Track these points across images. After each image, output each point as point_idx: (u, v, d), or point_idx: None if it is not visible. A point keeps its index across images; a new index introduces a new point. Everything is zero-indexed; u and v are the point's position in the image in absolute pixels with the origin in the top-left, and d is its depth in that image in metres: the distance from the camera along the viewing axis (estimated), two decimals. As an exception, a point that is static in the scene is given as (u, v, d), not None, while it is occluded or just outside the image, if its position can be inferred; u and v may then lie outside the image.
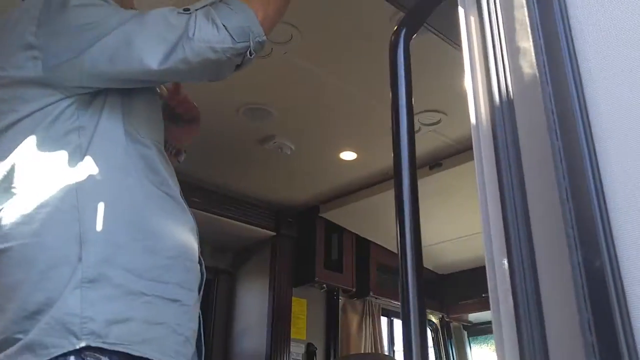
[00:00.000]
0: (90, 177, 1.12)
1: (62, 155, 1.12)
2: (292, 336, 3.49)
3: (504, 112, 0.61)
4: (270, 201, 3.65)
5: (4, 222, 1.07)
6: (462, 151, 3.01)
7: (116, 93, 1.22)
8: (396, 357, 4.24)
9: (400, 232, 0.81)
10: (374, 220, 3.66)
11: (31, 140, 1.13)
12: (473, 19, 0.66)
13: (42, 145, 1.13)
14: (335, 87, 2.53)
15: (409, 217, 0.79)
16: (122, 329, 1.03)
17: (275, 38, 2.21)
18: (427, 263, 4.19)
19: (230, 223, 3.44)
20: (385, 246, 3.93)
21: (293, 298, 3.58)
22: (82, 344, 0.99)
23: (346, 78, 2.48)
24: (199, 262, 1.27)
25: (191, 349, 1.14)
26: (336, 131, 2.90)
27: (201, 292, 1.25)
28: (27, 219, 1.07)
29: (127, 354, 1.02)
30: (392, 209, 3.48)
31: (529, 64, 0.61)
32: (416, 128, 2.83)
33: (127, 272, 1.07)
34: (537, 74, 0.59)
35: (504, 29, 0.64)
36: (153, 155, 1.21)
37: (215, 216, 3.34)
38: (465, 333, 4.49)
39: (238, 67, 1.25)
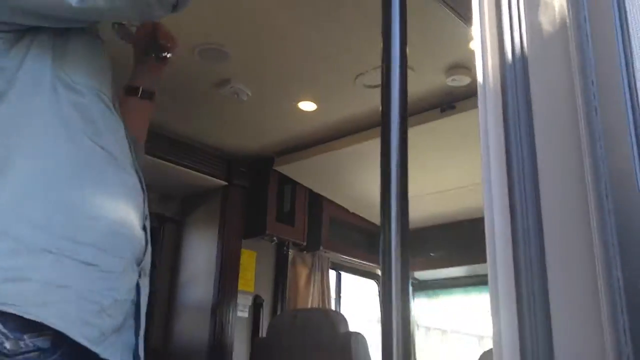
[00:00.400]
0: (6, 122, 1.01)
1: None
2: (239, 288, 3.43)
3: (516, 71, 0.52)
4: (222, 149, 3.50)
5: None
6: (422, 109, 2.94)
7: (47, 34, 1.10)
8: (342, 310, 4.28)
9: (385, 186, 0.72)
10: (329, 177, 3.58)
11: None
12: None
13: None
14: (297, 34, 2.38)
15: (396, 172, 0.70)
16: (16, 288, 0.91)
17: (237, -26, 2.03)
18: (376, 219, 4.18)
19: (179, 170, 3.28)
20: (339, 203, 3.88)
21: (242, 250, 3.50)
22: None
23: (309, 24, 2.33)
24: (143, 228, 1.14)
25: (110, 320, 1.00)
26: (296, 80, 2.76)
27: (143, 261, 1.13)
28: None
29: (21, 317, 0.89)
30: (348, 167, 3.44)
31: (549, 20, 0.51)
32: (380, 81, 2.72)
33: (33, 227, 0.95)
34: (565, 31, 0.49)
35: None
36: (88, 103, 1.10)
37: (163, 162, 3.18)
38: (410, 288, 4.56)
39: (175, 7, 1.12)
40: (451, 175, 3.35)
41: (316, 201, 3.82)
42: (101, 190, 1.06)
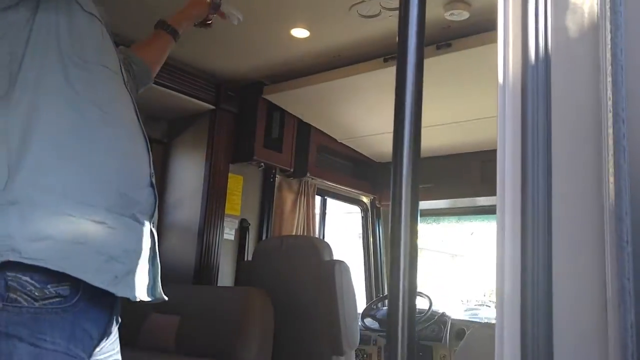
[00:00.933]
0: (21, 102, 1.14)
1: None
2: (226, 212, 3.48)
3: (538, 73, 0.51)
4: (211, 73, 3.43)
5: None
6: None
7: (50, 14, 1.20)
8: (326, 235, 4.39)
9: (399, 118, 0.71)
10: (318, 108, 3.55)
11: None
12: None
13: None
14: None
15: (411, 99, 0.70)
16: (41, 245, 1.08)
17: None
18: (364, 150, 4.20)
19: (166, 92, 3.22)
20: (327, 132, 3.87)
21: (229, 174, 3.52)
22: (2, 259, 1.05)
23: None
24: (151, 185, 1.28)
25: (121, 266, 1.17)
26: (290, 6, 2.67)
27: (153, 216, 1.28)
28: None
29: (47, 269, 1.07)
30: (338, 99, 3.40)
31: (577, 23, 0.51)
32: (376, 11, 2.65)
33: (53, 193, 1.12)
34: (586, 41, 0.48)
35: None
36: (96, 77, 1.23)
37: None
38: (394, 215, 4.66)
39: None
40: (443, 111, 3.34)
41: (304, 128, 3.81)
42: (111, 157, 1.22)
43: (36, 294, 1.08)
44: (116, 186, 1.20)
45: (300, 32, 2.89)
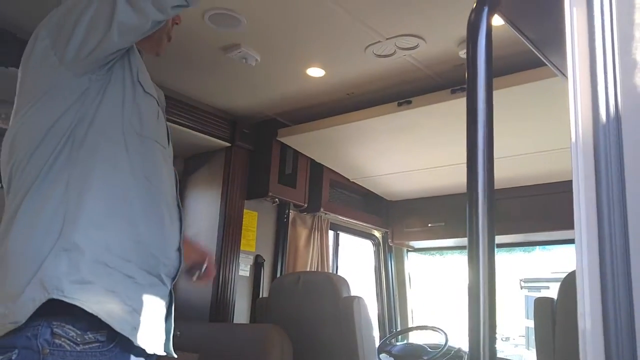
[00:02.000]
0: (84, 162, 1.30)
1: (60, 144, 1.31)
2: (241, 248, 3.49)
3: (609, 130, 0.54)
4: (227, 111, 3.49)
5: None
6: (431, 87, 2.94)
7: (116, 89, 1.38)
8: (339, 268, 4.38)
9: (472, 153, 0.73)
10: (330, 149, 3.58)
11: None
12: (580, 19, 0.57)
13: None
14: (310, 2, 2.35)
15: (483, 139, 0.71)
16: (82, 289, 1.23)
17: (258, -58, 1.98)
18: (376, 189, 4.22)
19: (183, 130, 3.28)
20: (339, 172, 3.90)
21: (244, 210, 3.54)
22: (49, 296, 1.19)
23: (325, -8, 2.30)
24: (179, 250, 1.45)
25: (140, 319, 1.30)
26: (306, 46, 2.74)
27: (176, 277, 1.46)
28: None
29: (86, 318, 1.22)
30: (351, 140, 3.43)
31: (645, 83, 0.54)
32: (391, 51, 2.71)
33: (98, 245, 1.27)
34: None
35: (618, 36, 0.55)
36: (149, 151, 1.39)
37: (168, 122, 3.16)
38: (405, 250, 4.66)
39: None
40: (449, 154, 3.37)
41: (317, 164, 3.85)
42: (149, 222, 1.37)
43: (78, 339, 1.22)
44: (149, 248, 1.35)
45: (315, 72, 2.95)
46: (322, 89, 3.13)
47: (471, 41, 0.68)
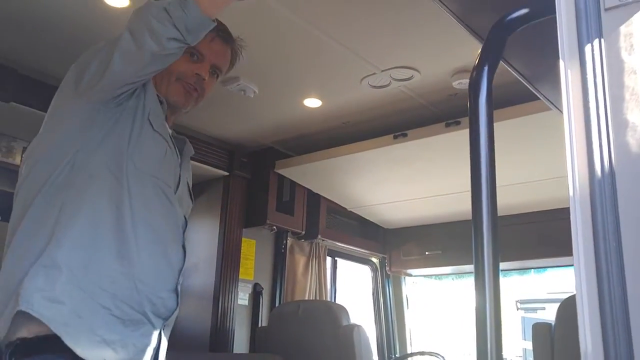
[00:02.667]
0: (79, 187, 1.34)
1: (60, 167, 1.35)
2: (240, 276, 3.50)
3: (605, 188, 0.58)
4: (225, 140, 3.53)
5: None
6: (426, 116, 3.00)
7: (124, 126, 1.40)
8: (337, 294, 4.39)
9: (476, 184, 0.76)
10: (327, 180, 3.62)
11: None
12: (574, 81, 0.61)
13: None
14: (308, 36, 2.40)
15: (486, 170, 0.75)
16: (52, 307, 1.23)
17: (256, -19, 2.04)
18: (373, 218, 4.26)
19: (182, 161, 3.31)
20: (336, 202, 3.94)
21: (243, 238, 3.56)
22: (18, 308, 1.21)
23: (320, 28, 2.35)
24: (175, 290, 1.42)
25: (112, 353, 1.28)
26: (303, 78, 2.79)
27: (169, 319, 1.43)
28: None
29: (49, 329, 1.22)
30: (348, 171, 3.47)
31: (637, 142, 0.58)
32: (386, 82, 2.77)
33: (77, 267, 1.28)
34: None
35: (609, 97, 0.60)
36: (146, 188, 1.40)
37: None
38: (404, 277, 4.68)
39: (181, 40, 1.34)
40: (445, 183, 3.42)
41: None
42: (139, 256, 1.34)
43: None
44: (135, 282, 1.33)
45: (312, 102, 3.00)
46: (319, 118, 3.18)
47: (473, 97, 0.72)
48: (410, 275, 4.58)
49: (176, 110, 1.66)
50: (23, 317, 1.22)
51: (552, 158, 2.82)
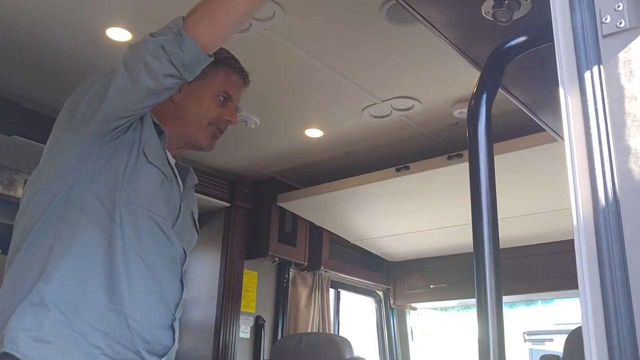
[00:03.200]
0: (72, 222, 1.31)
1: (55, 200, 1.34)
2: (241, 309, 3.46)
3: (609, 216, 0.57)
4: (227, 172, 3.53)
5: None
6: (428, 145, 3.00)
7: (122, 157, 1.38)
8: (341, 326, 4.32)
9: (477, 216, 0.75)
10: (330, 213, 3.61)
11: None
12: (574, 108, 0.60)
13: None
14: (310, 68, 2.42)
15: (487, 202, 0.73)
16: (39, 347, 1.20)
17: (257, 14, 2.06)
18: (376, 250, 4.22)
19: (183, 192, 3.30)
20: (339, 235, 3.91)
21: (244, 270, 3.53)
22: (2, 350, 1.18)
23: (323, 58, 2.37)
24: (171, 327, 1.37)
25: None
26: (304, 109, 2.81)
27: (166, 356, 1.37)
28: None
29: None
30: (350, 205, 3.44)
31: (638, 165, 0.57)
32: (387, 112, 2.77)
33: (67, 306, 1.24)
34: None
35: (611, 124, 0.59)
36: (140, 222, 1.36)
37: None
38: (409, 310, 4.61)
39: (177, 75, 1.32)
40: (448, 216, 3.40)
41: (317, 221, 3.86)
42: (130, 292, 1.30)
43: None
44: (126, 319, 1.29)
45: (314, 132, 3.01)
46: (321, 148, 3.18)
47: (472, 126, 0.71)
48: (414, 309, 4.51)
49: (205, 151, 1.69)
50: (8, 358, 1.19)
51: (554, 190, 2.80)
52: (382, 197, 3.25)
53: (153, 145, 1.46)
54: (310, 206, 3.52)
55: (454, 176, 2.86)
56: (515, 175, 2.77)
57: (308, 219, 3.73)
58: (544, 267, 3.47)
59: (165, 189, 1.45)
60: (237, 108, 1.71)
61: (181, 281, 1.45)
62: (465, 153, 2.72)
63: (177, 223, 1.48)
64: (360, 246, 4.09)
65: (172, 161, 1.59)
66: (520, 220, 3.23)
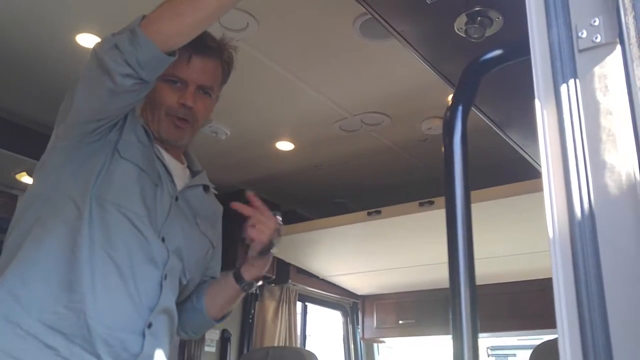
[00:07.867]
0: (44, 225, 1.26)
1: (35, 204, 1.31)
2: (208, 323, 3.39)
3: (585, 229, 0.57)
4: (195, 183, 3.48)
5: None
6: (398, 161, 3.03)
7: (102, 159, 1.33)
8: (307, 341, 4.29)
9: (453, 255, 0.75)
10: (301, 252, 3.59)
11: None
12: (550, 120, 0.61)
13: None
14: (281, 81, 2.41)
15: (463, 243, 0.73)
16: None
17: (230, 25, 2.05)
18: (345, 285, 4.21)
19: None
20: (310, 271, 3.89)
21: (211, 283, 3.47)
22: None
23: (295, 71, 2.37)
24: (142, 334, 1.25)
25: None
26: (275, 122, 2.80)
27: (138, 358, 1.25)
28: None
29: None
30: (321, 245, 3.40)
31: (615, 183, 0.57)
32: (357, 127, 2.78)
33: (16, 303, 1.17)
34: (626, 196, 0.55)
35: (587, 138, 0.59)
36: (110, 218, 1.28)
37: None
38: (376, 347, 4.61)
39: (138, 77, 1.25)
40: (421, 255, 3.43)
41: (285, 235, 3.83)
42: (94, 291, 1.21)
43: None
44: (86, 318, 1.19)
45: (285, 145, 3.00)
46: (292, 160, 3.17)
47: (447, 137, 0.71)
48: (383, 342, 4.51)
49: (177, 145, 1.53)
50: None
51: (525, 236, 2.84)
52: (353, 237, 3.26)
53: (131, 143, 1.37)
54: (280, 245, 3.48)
55: (424, 223, 2.87)
56: (486, 223, 2.78)
57: (278, 257, 3.65)
58: (510, 306, 3.55)
59: (143, 185, 1.36)
60: (205, 86, 1.49)
61: (160, 284, 1.32)
62: (437, 200, 2.77)
63: (167, 222, 1.38)
64: (330, 282, 4.08)
65: (172, 161, 1.52)
66: (488, 262, 3.27)
